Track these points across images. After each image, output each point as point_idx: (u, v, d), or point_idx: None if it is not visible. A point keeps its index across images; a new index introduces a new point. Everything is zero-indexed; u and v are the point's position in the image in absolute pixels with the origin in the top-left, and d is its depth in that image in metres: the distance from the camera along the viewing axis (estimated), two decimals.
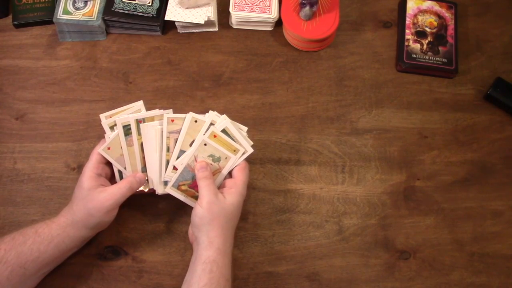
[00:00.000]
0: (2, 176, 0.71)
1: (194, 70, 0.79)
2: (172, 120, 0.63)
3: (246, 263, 0.68)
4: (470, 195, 0.73)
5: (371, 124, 0.77)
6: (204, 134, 0.63)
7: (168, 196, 0.65)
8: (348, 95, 0.79)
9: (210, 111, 0.65)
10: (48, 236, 0.58)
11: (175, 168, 0.63)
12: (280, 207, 0.71)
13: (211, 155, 0.63)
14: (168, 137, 0.64)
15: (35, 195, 0.70)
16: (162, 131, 0.64)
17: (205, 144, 0.63)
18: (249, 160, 0.73)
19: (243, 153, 0.64)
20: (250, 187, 0.71)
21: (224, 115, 0.64)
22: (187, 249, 0.68)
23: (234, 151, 0.63)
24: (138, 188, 0.63)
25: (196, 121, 0.64)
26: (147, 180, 0.65)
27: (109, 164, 0.65)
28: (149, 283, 0.66)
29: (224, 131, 0.63)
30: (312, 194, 0.72)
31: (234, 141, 0.64)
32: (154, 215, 0.69)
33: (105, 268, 0.66)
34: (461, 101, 0.79)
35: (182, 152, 0.64)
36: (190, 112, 0.64)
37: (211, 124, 0.64)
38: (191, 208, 0.65)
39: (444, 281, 0.68)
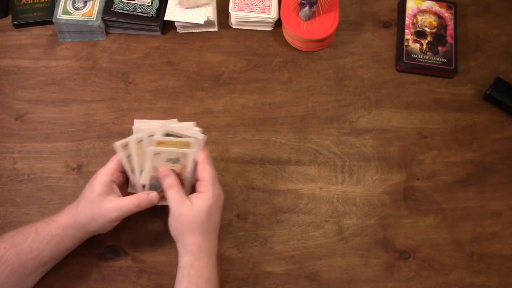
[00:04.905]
0: (1, 176, 0.71)
1: (193, 70, 0.79)
2: (125, 145, 0.61)
3: (246, 263, 0.68)
4: (470, 195, 0.73)
5: (371, 124, 0.77)
6: (149, 147, 0.61)
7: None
8: (347, 95, 0.79)
9: (136, 123, 0.63)
10: (48, 235, 0.58)
11: (144, 186, 0.63)
12: (279, 207, 0.71)
13: (168, 160, 0.61)
14: (129, 161, 0.62)
15: (34, 195, 0.70)
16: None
17: (157, 154, 0.61)
18: (249, 160, 0.73)
19: (197, 142, 0.61)
20: (250, 187, 0.72)
21: (161, 120, 0.63)
22: None
23: (187, 145, 0.61)
24: (146, 207, 0.62)
25: (140, 141, 0.61)
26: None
27: (124, 172, 0.64)
28: (149, 283, 0.66)
29: (167, 134, 0.61)
30: (311, 194, 0.72)
31: (182, 137, 0.61)
32: (154, 215, 0.69)
33: (105, 268, 0.66)
34: (461, 101, 0.79)
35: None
36: (130, 137, 0.61)
37: (151, 135, 0.61)
38: None
39: (444, 281, 0.68)
